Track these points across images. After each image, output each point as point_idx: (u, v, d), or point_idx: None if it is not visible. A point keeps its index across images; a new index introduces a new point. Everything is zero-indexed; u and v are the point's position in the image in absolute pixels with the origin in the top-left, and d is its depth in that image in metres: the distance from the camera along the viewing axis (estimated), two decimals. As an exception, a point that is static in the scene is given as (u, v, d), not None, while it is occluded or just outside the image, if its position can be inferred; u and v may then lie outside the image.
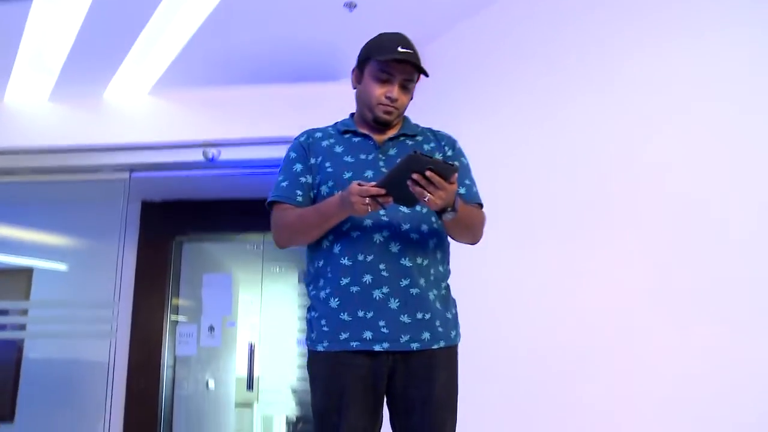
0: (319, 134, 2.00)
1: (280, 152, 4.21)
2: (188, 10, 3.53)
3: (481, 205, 1.96)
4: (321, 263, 1.87)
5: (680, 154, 2.55)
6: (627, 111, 2.78)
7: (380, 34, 1.94)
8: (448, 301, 1.89)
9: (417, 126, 2.04)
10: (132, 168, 4.38)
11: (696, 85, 2.53)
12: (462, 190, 1.92)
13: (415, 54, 1.86)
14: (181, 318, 5.71)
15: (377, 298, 1.75)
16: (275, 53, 3.98)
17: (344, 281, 1.78)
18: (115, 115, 4.33)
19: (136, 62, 4.06)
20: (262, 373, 5.72)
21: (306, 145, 1.97)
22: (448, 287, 1.92)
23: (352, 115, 2.04)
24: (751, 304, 2.25)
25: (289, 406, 5.85)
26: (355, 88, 1.99)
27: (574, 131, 2.94)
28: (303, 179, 1.91)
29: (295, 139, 2.02)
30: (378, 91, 1.88)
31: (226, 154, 4.25)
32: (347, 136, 1.95)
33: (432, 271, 1.84)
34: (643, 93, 2.72)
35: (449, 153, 1.98)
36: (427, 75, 1.87)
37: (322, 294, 1.83)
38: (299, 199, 1.88)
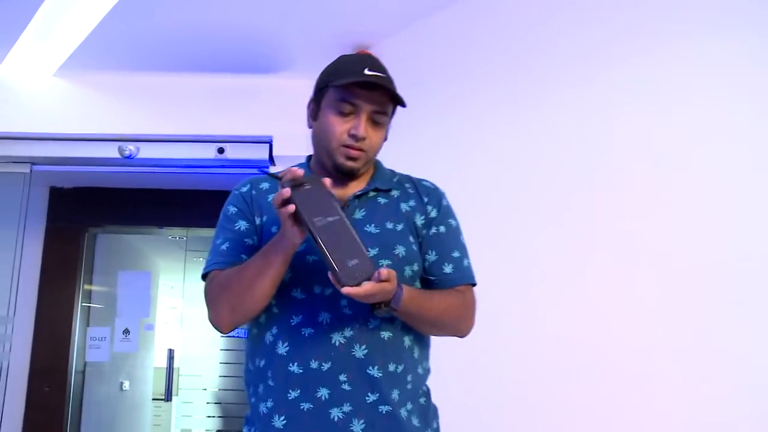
0: (265, 185, 1.53)
1: (207, 151, 3.92)
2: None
3: (472, 284, 1.53)
4: (262, 363, 1.43)
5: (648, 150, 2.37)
6: (592, 115, 2.57)
7: (341, 56, 1.54)
8: (428, 413, 1.47)
9: (392, 174, 1.59)
10: (33, 161, 3.80)
11: (676, 86, 2.35)
12: (447, 268, 1.50)
13: (388, 78, 1.46)
14: (92, 319, 5.20)
15: (336, 419, 1.33)
16: (207, 39, 3.48)
17: (292, 394, 1.36)
18: (12, 98, 3.73)
19: (40, 36, 3.48)
20: (182, 382, 5.29)
21: (249, 199, 1.51)
22: (427, 393, 1.49)
23: (308, 159, 1.58)
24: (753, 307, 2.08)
25: (211, 421, 5.45)
26: (310, 127, 1.53)
27: (535, 136, 2.75)
28: (248, 241, 1.47)
29: (235, 189, 1.55)
30: (339, 128, 1.44)
31: (146, 152, 3.73)
32: None
33: (409, 378, 1.42)
34: (615, 93, 2.52)
35: (433, 214, 1.53)
36: (404, 105, 1.46)
37: (263, 408, 1.40)
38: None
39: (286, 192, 1.23)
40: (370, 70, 1.42)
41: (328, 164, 1.47)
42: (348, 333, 1.36)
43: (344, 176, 1.47)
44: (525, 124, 2.78)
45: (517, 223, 2.71)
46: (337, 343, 1.36)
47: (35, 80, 3.77)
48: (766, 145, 2.09)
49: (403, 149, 3.09)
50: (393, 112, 1.51)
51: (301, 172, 1.26)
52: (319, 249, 1.21)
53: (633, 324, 2.30)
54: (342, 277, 1.19)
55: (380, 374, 1.36)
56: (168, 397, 5.17)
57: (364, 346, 1.36)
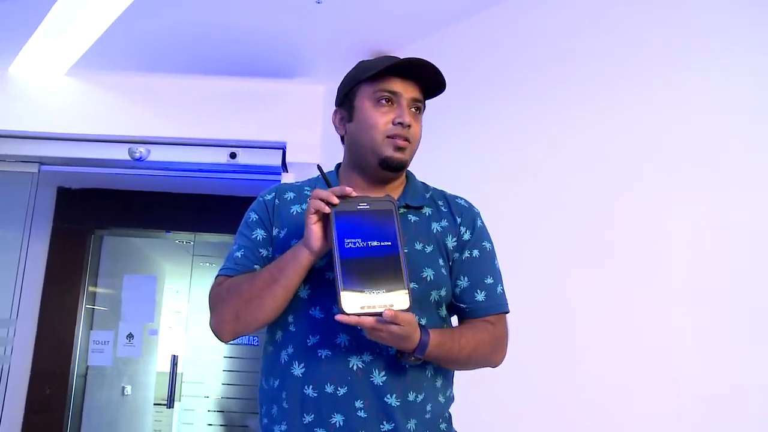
0: (290, 194, 1.45)
1: (219, 156, 3.85)
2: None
3: (505, 312, 1.44)
4: (276, 383, 1.35)
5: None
6: (611, 132, 2.52)
7: (361, 61, 1.47)
8: None
9: (425, 189, 1.49)
10: (42, 161, 3.73)
11: (702, 100, 2.29)
12: (480, 296, 1.40)
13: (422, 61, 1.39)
14: (96, 322, 5.12)
15: None
16: (221, 41, 3.42)
17: (306, 419, 1.28)
18: (22, 96, 3.69)
19: (52, 34, 3.41)
20: (184, 389, 5.20)
21: (271, 208, 1.43)
22: (449, 419, 1.41)
23: (337, 167, 1.50)
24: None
25: (212, 429, 5.36)
26: (342, 135, 1.46)
27: (559, 146, 2.70)
28: (264, 251, 1.40)
29: (260, 196, 1.48)
30: (382, 120, 1.37)
31: (157, 154, 3.65)
32: None
33: (429, 407, 1.33)
34: (632, 112, 2.48)
35: (466, 236, 1.43)
36: (443, 86, 1.42)
37: (279, 429, 1.32)
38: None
39: (323, 208, 1.19)
40: (402, 59, 1.37)
41: (374, 163, 1.38)
42: (367, 358, 1.28)
43: (393, 172, 1.40)
44: (549, 136, 2.72)
45: (538, 235, 2.65)
46: (354, 368, 1.28)
47: (46, 79, 3.72)
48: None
49: (422, 159, 3.05)
50: (424, 107, 1.46)
51: (350, 191, 1.20)
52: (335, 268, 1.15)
53: (659, 332, 2.25)
54: (339, 302, 1.12)
55: (398, 403, 1.28)
56: (170, 403, 5.09)
57: (383, 373, 1.28)
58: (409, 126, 1.37)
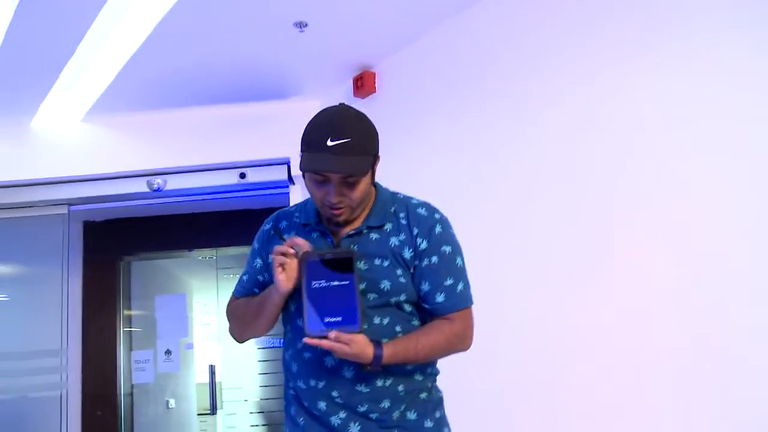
0: (283, 224, 1.74)
1: (230, 177, 4.13)
2: (125, 30, 3.23)
3: (465, 307, 1.65)
4: (286, 375, 1.72)
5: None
6: (583, 135, 2.67)
7: (316, 116, 1.58)
8: (427, 406, 1.64)
9: (391, 201, 1.67)
10: (70, 202, 4.05)
11: (681, 85, 2.38)
12: (440, 297, 1.61)
13: (350, 144, 1.49)
14: (135, 343, 5.42)
15: (335, 424, 1.59)
16: (220, 74, 3.71)
17: (305, 404, 1.63)
18: (46, 146, 4.01)
19: (67, 86, 3.72)
20: (225, 395, 5.50)
21: (267, 238, 1.74)
22: (430, 388, 1.67)
23: None
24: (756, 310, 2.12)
25: (255, 430, 5.65)
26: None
27: (527, 156, 2.87)
28: (261, 278, 1.74)
29: (263, 224, 1.80)
30: (317, 194, 1.57)
31: (173, 183, 3.96)
32: (307, 228, 1.68)
33: (401, 388, 1.60)
34: (604, 113, 2.61)
35: (423, 246, 1.61)
36: (363, 175, 1.53)
37: (292, 410, 1.68)
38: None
39: (284, 260, 1.52)
40: (333, 139, 1.48)
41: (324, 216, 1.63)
42: (339, 357, 1.53)
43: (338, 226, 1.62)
44: (526, 131, 2.90)
45: (528, 225, 2.84)
46: (329, 366, 1.58)
47: (65, 127, 4.02)
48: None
49: (408, 162, 3.30)
50: (375, 160, 1.59)
51: (300, 242, 1.53)
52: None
53: (652, 318, 2.37)
54: (305, 328, 1.48)
55: (367, 390, 1.58)
56: (213, 410, 5.39)
57: (351, 368, 1.57)
58: (338, 204, 1.54)
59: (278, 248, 1.53)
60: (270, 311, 1.63)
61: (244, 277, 1.78)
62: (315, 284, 1.50)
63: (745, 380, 2.11)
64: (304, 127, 1.56)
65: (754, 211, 2.14)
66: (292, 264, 1.53)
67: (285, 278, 1.53)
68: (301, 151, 1.54)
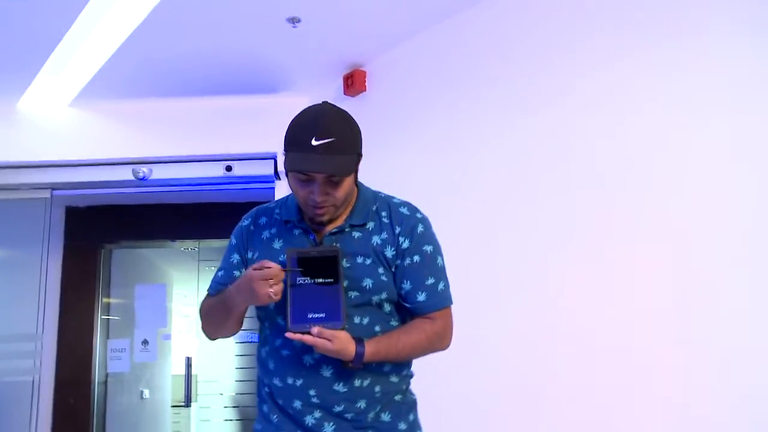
0: (263, 220, 1.74)
1: (216, 170, 4.13)
2: (117, 16, 3.20)
3: (446, 306, 1.67)
4: (261, 373, 1.71)
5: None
6: (576, 137, 2.69)
7: (300, 115, 1.57)
8: (401, 408, 1.66)
9: (373, 201, 1.68)
10: (53, 187, 4.02)
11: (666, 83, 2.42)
12: (421, 296, 1.63)
13: (334, 145, 1.49)
14: (112, 331, 5.39)
15: (309, 424, 1.58)
16: (211, 64, 3.69)
17: (279, 402, 1.63)
18: (32, 129, 3.96)
19: (56, 70, 3.69)
20: (200, 388, 5.49)
21: (246, 234, 1.73)
22: (404, 390, 1.68)
23: None
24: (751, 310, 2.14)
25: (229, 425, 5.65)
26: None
27: (516, 155, 2.88)
28: (236, 273, 1.70)
29: (241, 220, 1.79)
30: (300, 193, 1.57)
31: (159, 172, 3.94)
32: (288, 225, 1.67)
33: (378, 389, 1.61)
34: (591, 111, 2.64)
35: (405, 245, 1.62)
36: (346, 175, 1.53)
37: (265, 407, 1.68)
38: None
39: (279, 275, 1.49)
40: (317, 138, 1.48)
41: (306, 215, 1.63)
42: (317, 355, 1.55)
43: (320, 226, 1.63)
44: (516, 131, 2.92)
45: (519, 225, 2.84)
46: (307, 364, 1.58)
47: (52, 111, 3.98)
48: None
49: (397, 161, 3.32)
50: (358, 159, 1.58)
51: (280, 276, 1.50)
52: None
53: (642, 314, 2.38)
54: (289, 323, 1.48)
55: (345, 389, 1.58)
56: (187, 402, 5.37)
57: (330, 366, 1.57)
58: (322, 201, 1.54)
59: (269, 272, 1.48)
60: (235, 318, 1.65)
61: (219, 273, 1.74)
62: (299, 281, 1.52)
63: (745, 380, 2.11)
64: (288, 125, 1.56)
65: (754, 211, 2.15)
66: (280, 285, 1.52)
67: (274, 293, 1.49)
68: (285, 150, 1.54)
